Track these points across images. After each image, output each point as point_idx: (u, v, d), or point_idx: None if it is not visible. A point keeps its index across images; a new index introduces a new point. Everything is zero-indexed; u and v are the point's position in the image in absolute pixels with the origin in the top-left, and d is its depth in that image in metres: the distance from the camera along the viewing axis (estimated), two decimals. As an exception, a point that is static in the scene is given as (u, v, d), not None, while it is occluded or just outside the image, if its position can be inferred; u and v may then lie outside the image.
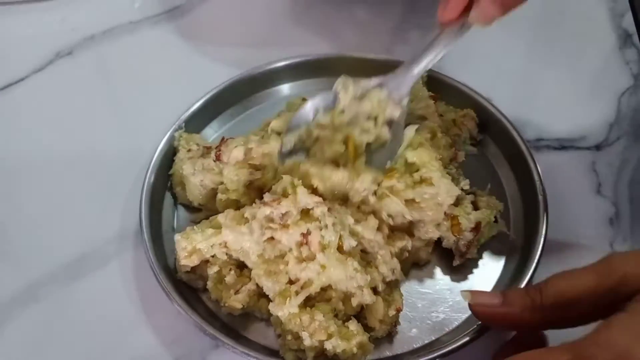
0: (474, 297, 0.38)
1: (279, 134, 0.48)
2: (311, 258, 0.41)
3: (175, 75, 0.60)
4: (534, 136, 0.53)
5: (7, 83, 0.59)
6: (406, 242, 0.44)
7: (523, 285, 0.43)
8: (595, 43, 0.61)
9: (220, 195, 0.46)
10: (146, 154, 0.49)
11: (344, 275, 0.40)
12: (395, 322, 0.43)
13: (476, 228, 0.44)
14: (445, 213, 0.44)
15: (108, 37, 0.63)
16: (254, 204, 0.44)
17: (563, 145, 0.53)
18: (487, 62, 0.59)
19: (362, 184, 0.43)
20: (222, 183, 0.46)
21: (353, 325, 0.41)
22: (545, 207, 0.46)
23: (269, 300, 0.42)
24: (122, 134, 0.56)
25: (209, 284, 0.43)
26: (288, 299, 0.40)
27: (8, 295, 0.46)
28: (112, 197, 0.50)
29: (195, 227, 0.44)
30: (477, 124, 0.51)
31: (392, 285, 0.44)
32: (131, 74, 0.60)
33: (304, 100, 0.52)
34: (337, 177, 0.43)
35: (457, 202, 0.45)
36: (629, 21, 0.62)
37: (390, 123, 0.44)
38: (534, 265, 0.43)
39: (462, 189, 0.45)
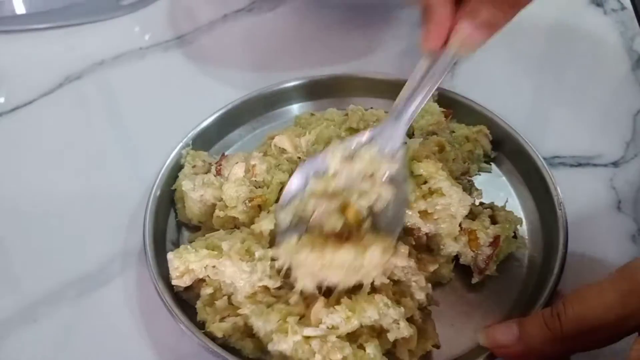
0: (490, 337, 0.36)
1: (283, 150, 0.48)
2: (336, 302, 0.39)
3: (185, 98, 0.60)
4: (549, 154, 0.52)
5: (14, 106, 0.59)
6: (438, 265, 0.42)
7: (542, 300, 0.40)
8: (607, 64, 0.61)
9: (218, 212, 0.44)
10: (153, 173, 0.49)
11: (376, 315, 0.38)
12: (426, 356, 0.40)
13: (495, 242, 0.42)
14: (462, 227, 0.42)
15: (118, 62, 0.63)
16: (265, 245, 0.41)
17: (579, 162, 0.52)
18: (498, 82, 0.59)
19: (372, 260, 0.38)
20: (222, 199, 0.44)
21: (371, 349, 0.38)
22: (565, 222, 0.44)
23: (257, 340, 0.39)
24: (130, 154, 0.55)
25: (198, 304, 0.41)
26: (288, 333, 0.37)
27: (8, 314, 0.44)
28: (117, 215, 0.49)
29: (189, 246, 0.42)
30: (490, 141, 0.50)
31: (426, 313, 0.41)
32: (140, 97, 0.60)
33: (312, 115, 0.52)
34: (341, 258, 0.38)
35: (475, 217, 0.43)
36: (640, 43, 0.62)
37: (390, 180, 0.40)
38: (552, 282, 0.41)
39: (480, 203, 0.44)
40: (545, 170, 0.47)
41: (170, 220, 0.48)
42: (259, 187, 0.45)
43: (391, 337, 0.38)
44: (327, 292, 0.39)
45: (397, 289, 0.41)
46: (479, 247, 0.42)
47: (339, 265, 0.37)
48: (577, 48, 0.63)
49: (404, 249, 0.40)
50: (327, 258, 0.37)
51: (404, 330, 0.38)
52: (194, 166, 0.48)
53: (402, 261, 0.40)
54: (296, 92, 0.56)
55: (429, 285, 0.41)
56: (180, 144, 0.50)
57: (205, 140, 0.52)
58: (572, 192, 0.48)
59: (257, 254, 0.40)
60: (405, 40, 0.63)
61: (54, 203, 0.51)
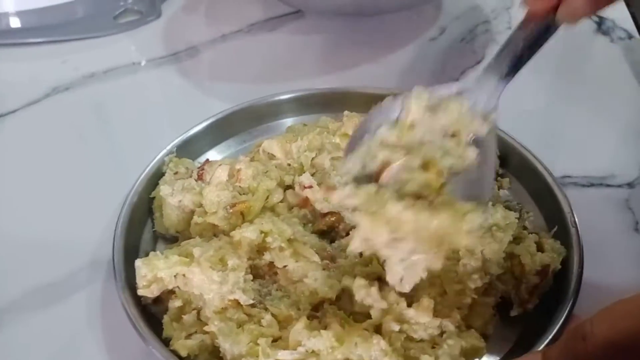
0: None
1: (271, 156, 0.44)
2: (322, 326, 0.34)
3: (175, 112, 0.58)
4: (560, 173, 0.48)
5: (-2, 114, 0.57)
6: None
7: (557, 327, 0.36)
8: (616, 89, 0.58)
9: (196, 218, 0.40)
10: (134, 182, 0.45)
11: (367, 358, 0.32)
12: None
13: (543, 272, 0.38)
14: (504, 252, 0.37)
15: (108, 76, 0.61)
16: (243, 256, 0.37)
17: (591, 182, 0.49)
18: (506, 100, 0.56)
19: (471, 224, 0.31)
20: (202, 205, 0.41)
21: None
22: (579, 243, 0.40)
23: None
24: (112, 163, 0.52)
25: (165, 318, 0.37)
26: (260, 356, 0.33)
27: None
28: (93, 224, 0.46)
29: (159, 252, 0.38)
30: (497, 156, 0.47)
31: None
32: (128, 110, 0.58)
33: (305, 125, 0.49)
34: (437, 222, 0.30)
35: (518, 241, 0.39)
36: (649, 69, 0.60)
37: (476, 143, 0.34)
38: (568, 306, 0.37)
39: (524, 227, 0.39)
40: (557, 188, 0.43)
41: (147, 232, 0.44)
42: (244, 193, 0.42)
43: None
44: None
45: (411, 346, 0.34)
46: (524, 275, 0.37)
47: (434, 229, 0.30)
48: (586, 72, 0.61)
49: (428, 302, 0.34)
50: (421, 217, 0.30)
51: None
52: (175, 173, 0.45)
53: (423, 317, 0.33)
54: (289, 104, 0.53)
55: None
56: (163, 151, 0.47)
57: (192, 150, 0.49)
58: (585, 213, 0.44)
59: (230, 263, 0.36)
60: (405, 57, 0.62)
61: (25, 208, 0.48)
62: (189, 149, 0.48)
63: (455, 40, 0.65)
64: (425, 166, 0.32)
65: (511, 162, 0.47)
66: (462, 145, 0.33)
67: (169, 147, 0.47)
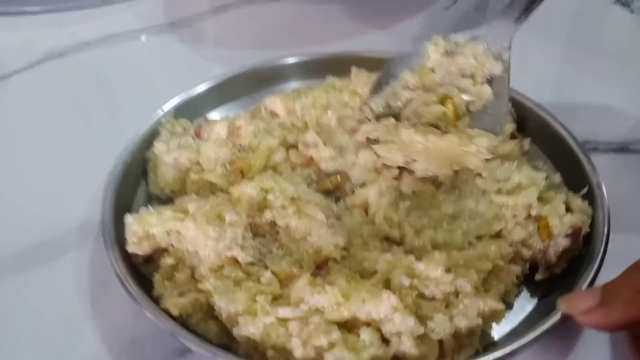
0: (570, 303, 0.30)
1: (274, 114, 0.42)
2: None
3: (176, 77, 0.55)
4: (580, 139, 0.45)
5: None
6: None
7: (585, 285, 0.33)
8: (636, 59, 0.55)
9: (192, 176, 0.38)
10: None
11: (376, 314, 0.30)
12: None
13: (574, 235, 0.35)
14: (529, 214, 0.35)
15: (107, 43, 0.59)
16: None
17: (613, 148, 0.46)
18: (522, 63, 0.53)
19: (479, 146, 0.35)
20: (199, 163, 0.38)
21: (366, 335, 0.30)
22: (605, 202, 0.37)
23: (222, 323, 0.32)
24: (109, 125, 0.50)
25: (156, 277, 0.34)
26: (258, 314, 0.30)
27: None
28: (84, 186, 0.43)
29: (151, 208, 0.35)
30: (514, 119, 0.44)
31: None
32: (127, 76, 0.56)
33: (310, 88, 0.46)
34: (445, 142, 0.35)
35: (545, 202, 0.36)
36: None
37: (490, 81, 0.39)
38: (594, 268, 0.34)
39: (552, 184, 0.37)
40: (579, 149, 0.40)
41: (141, 194, 0.42)
42: (244, 151, 0.39)
43: (389, 351, 0.30)
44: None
45: (425, 304, 0.31)
46: (551, 237, 0.35)
47: (444, 147, 0.35)
48: (603, 40, 0.58)
49: (439, 256, 0.32)
50: (430, 139, 0.35)
51: (409, 348, 0.29)
52: (172, 133, 0.42)
53: (434, 271, 0.31)
54: (294, 68, 0.50)
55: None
56: (161, 111, 0.44)
57: (192, 112, 0.46)
58: (608, 179, 0.41)
59: (228, 219, 0.33)
60: (416, 26, 0.59)
61: (19, 171, 0.46)
62: (188, 110, 0.46)
63: (469, 9, 0.62)
64: (442, 101, 0.37)
65: (530, 124, 0.44)
66: (478, 84, 0.38)
67: (166, 108, 0.45)
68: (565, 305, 0.30)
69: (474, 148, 0.35)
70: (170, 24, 0.61)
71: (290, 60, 0.50)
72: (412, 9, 0.62)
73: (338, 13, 0.62)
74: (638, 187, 0.43)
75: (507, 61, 0.38)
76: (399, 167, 0.37)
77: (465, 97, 0.37)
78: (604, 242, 0.35)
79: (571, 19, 0.61)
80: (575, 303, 0.29)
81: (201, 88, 0.47)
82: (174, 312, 0.32)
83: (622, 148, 0.46)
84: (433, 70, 0.38)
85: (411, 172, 0.36)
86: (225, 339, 0.32)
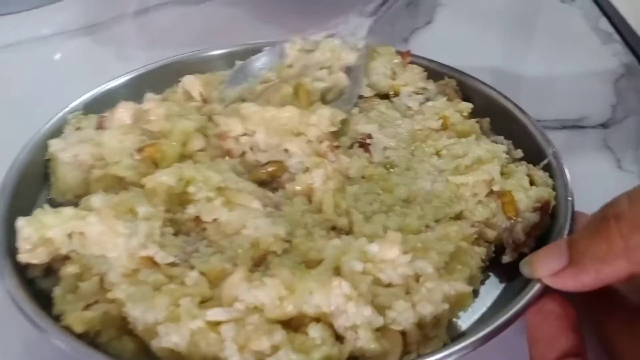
0: (535, 265, 0.27)
1: (190, 97, 0.38)
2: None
3: (91, 78, 0.49)
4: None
5: None
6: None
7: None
8: (575, 40, 0.56)
9: (96, 172, 0.32)
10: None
11: (327, 306, 0.25)
12: None
13: (544, 208, 0.32)
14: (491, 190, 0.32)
15: (21, 47, 0.54)
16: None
17: (564, 125, 0.45)
18: (466, 49, 0.53)
19: (320, 117, 0.34)
20: (104, 158, 0.33)
21: (316, 331, 0.25)
22: (565, 172, 0.34)
23: (137, 339, 0.26)
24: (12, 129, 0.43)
25: (56, 291, 0.28)
26: (182, 319, 0.25)
27: None
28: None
29: (48, 207, 0.30)
30: (462, 98, 0.41)
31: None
32: (37, 80, 0.50)
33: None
34: (286, 113, 0.34)
35: (507, 176, 0.33)
36: (605, 23, 0.57)
37: (348, 70, 0.40)
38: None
39: (514, 158, 0.35)
40: (534, 128, 0.38)
41: (42, 200, 0.35)
42: (155, 138, 0.34)
43: (344, 349, 0.25)
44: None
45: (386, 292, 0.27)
46: (517, 214, 0.31)
47: (283, 119, 0.34)
48: (543, 26, 0.58)
49: (394, 235, 0.27)
50: (269, 111, 0.35)
51: (367, 343, 0.25)
52: (77, 129, 0.37)
53: (390, 251, 0.27)
54: (220, 61, 0.46)
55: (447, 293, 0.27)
56: (67, 108, 0.39)
57: (106, 110, 0.41)
58: (564, 155, 0.39)
59: (141, 212, 0.28)
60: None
61: None
62: (102, 108, 0.40)
63: (401, 6, 0.60)
64: (295, 89, 0.38)
65: (475, 103, 0.41)
66: (334, 73, 0.40)
67: (74, 104, 0.39)
68: (529, 268, 0.27)
69: (315, 119, 0.34)
70: (86, 28, 0.56)
71: (215, 52, 0.46)
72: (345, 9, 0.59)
73: (268, 12, 0.59)
74: (594, 161, 0.42)
75: (363, 49, 0.40)
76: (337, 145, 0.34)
77: (320, 84, 0.38)
78: (570, 213, 0.32)
79: (507, 9, 0.61)
80: (541, 265, 0.26)
81: (115, 82, 0.42)
82: (78, 329, 0.26)
83: (573, 125, 0.45)
84: (291, 66, 0.40)
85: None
86: (144, 358, 0.26)
